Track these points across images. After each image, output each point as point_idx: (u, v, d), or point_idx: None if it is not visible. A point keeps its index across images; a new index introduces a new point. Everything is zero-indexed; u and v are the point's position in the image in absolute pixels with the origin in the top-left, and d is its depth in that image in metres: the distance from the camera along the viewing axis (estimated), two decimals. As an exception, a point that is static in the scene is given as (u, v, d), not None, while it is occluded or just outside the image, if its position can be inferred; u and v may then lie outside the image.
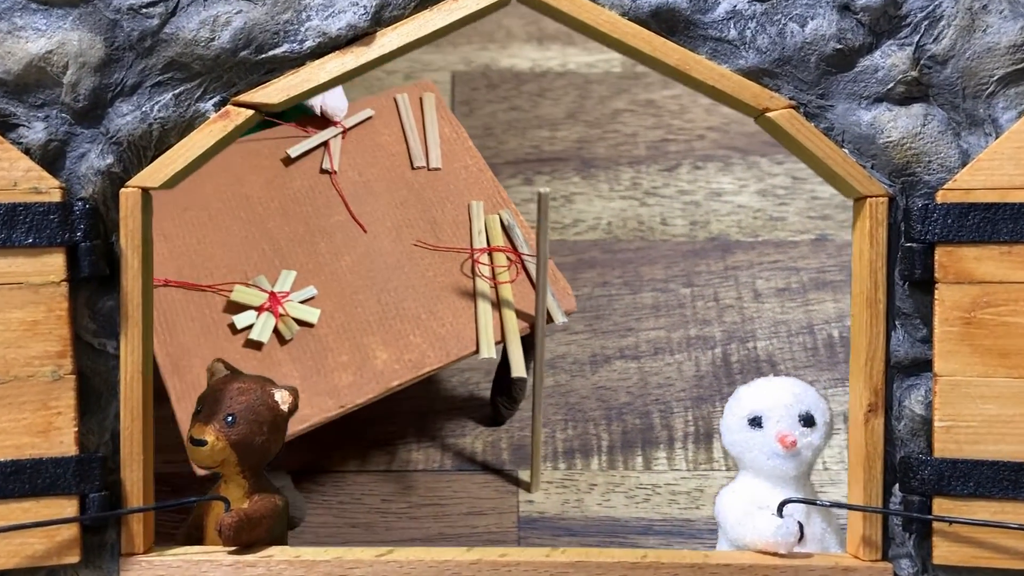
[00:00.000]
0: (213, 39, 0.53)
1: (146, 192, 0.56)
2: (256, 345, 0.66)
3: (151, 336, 0.56)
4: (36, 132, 0.54)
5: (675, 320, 0.92)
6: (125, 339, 0.55)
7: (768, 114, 0.56)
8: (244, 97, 0.55)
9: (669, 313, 0.92)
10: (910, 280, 0.56)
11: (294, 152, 0.75)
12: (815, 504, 0.58)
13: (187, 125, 0.55)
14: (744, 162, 1.05)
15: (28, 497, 0.54)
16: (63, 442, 0.54)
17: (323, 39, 0.54)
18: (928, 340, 0.56)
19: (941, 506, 0.55)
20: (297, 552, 0.56)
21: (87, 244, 0.53)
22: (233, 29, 0.53)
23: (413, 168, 0.76)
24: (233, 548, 0.57)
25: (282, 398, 0.58)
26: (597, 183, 1.02)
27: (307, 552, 0.56)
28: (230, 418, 0.57)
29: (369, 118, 0.78)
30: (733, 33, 0.55)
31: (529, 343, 0.71)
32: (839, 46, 0.55)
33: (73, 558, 0.55)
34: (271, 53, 0.54)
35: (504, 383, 0.80)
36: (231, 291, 0.67)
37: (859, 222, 0.57)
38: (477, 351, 0.67)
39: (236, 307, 0.67)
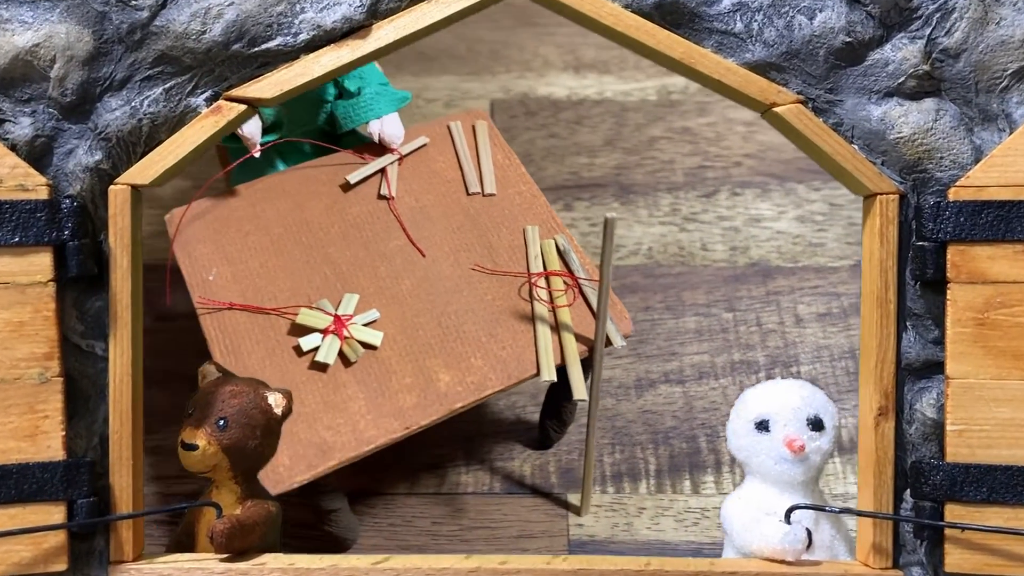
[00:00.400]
0: (204, 32, 0.52)
1: (135, 189, 0.54)
2: (322, 367, 0.66)
3: (140, 337, 0.54)
4: (22, 128, 0.52)
5: (718, 345, 0.93)
6: (114, 341, 0.53)
7: (775, 109, 0.53)
8: (236, 92, 0.53)
9: (712, 338, 0.93)
10: (922, 280, 0.54)
11: (353, 178, 0.76)
12: (824, 510, 0.56)
13: (178, 120, 0.53)
14: (782, 188, 1.06)
15: (14, 503, 0.52)
16: (50, 447, 0.52)
17: (318, 32, 0.52)
18: (940, 342, 0.54)
19: (953, 512, 0.54)
20: (291, 560, 0.54)
21: (75, 243, 0.51)
22: (225, 22, 0.52)
23: (468, 194, 0.78)
24: (225, 556, 0.55)
25: (276, 401, 0.56)
26: (636, 209, 1.03)
27: (301, 560, 0.54)
28: (222, 422, 0.55)
29: (424, 145, 0.80)
30: (739, 26, 0.53)
31: (584, 366, 0.72)
32: (848, 39, 0.53)
33: (60, 566, 0.53)
34: (264, 46, 0.52)
35: (555, 406, 0.81)
36: (296, 314, 0.68)
37: (869, 220, 0.55)
38: (538, 373, 0.68)
39: (301, 330, 0.68)
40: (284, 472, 0.62)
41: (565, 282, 0.72)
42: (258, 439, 0.56)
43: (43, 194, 0.51)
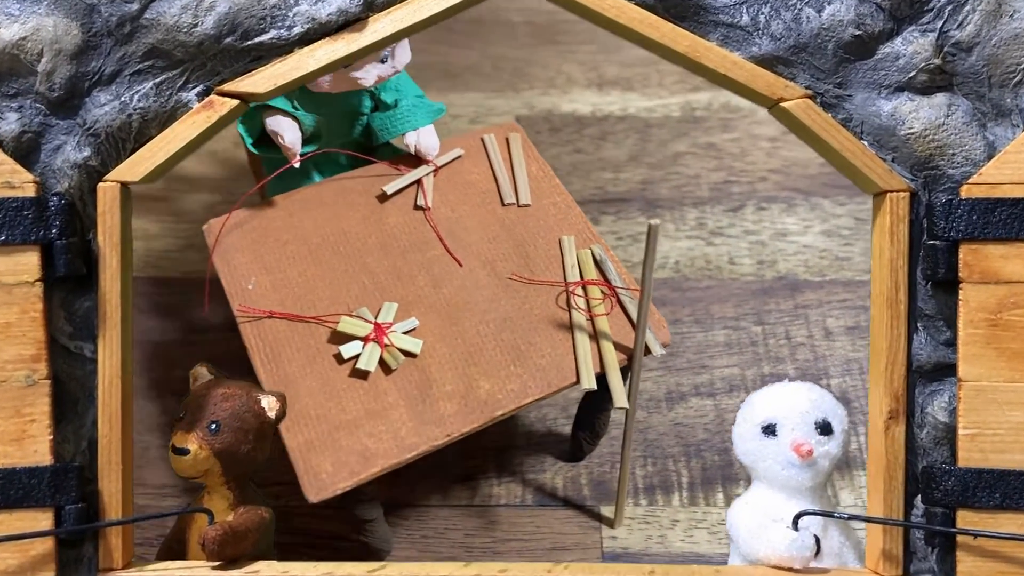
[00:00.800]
0: (196, 25, 0.50)
1: (125, 187, 0.52)
2: (363, 375, 0.66)
3: (130, 339, 0.52)
4: (9, 123, 0.50)
5: (748, 358, 0.93)
6: (103, 342, 0.51)
7: (783, 104, 0.51)
8: (229, 86, 0.51)
9: (742, 351, 0.93)
10: (933, 280, 0.52)
11: (390, 189, 0.77)
12: (832, 516, 0.54)
13: (168, 116, 0.51)
14: (807, 203, 1.06)
15: (0, 509, 0.50)
16: (37, 451, 0.51)
17: (312, 25, 0.50)
18: (952, 343, 0.52)
19: (965, 519, 0.52)
20: (285, 567, 0.53)
21: (63, 242, 0.49)
22: (217, 14, 0.50)
23: (503, 205, 0.78)
24: (217, 563, 0.53)
25: (269, 404, 0.55)
26: (663, 223, 1.04)
27: (295, 567, 0.53)
28: (214, 425, 0.53)
29: (459, 157, 0.80)
30: (746, 19, 0.51)
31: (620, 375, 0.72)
32: (858, 32, 0.51)
33: (48, 573, 0.51)
34: (257, 39, 0.50)
35: (588, 418, 0.81)
36: (336, 322, 0.68)
37: (879, 218, 0.53)
38: (578, 382, 0.68)
39: (341, 337, 0.68)
40: (327, 479, 0.62)
41: (602, 291, 0.72)
42: (251, 443, 0.54)
43: (30, 191, 0.50)
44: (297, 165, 0.74)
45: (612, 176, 1.09)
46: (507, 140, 0.82)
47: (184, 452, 0.53)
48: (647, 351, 0.69)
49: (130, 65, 0.51)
